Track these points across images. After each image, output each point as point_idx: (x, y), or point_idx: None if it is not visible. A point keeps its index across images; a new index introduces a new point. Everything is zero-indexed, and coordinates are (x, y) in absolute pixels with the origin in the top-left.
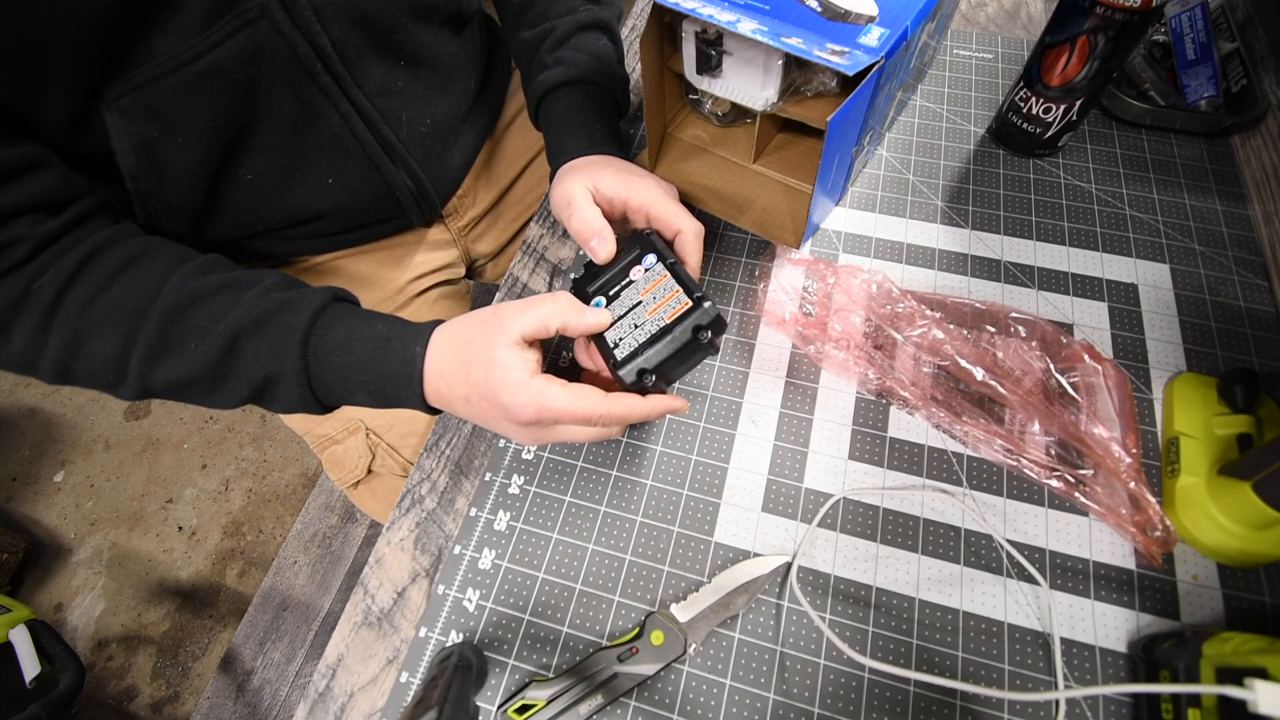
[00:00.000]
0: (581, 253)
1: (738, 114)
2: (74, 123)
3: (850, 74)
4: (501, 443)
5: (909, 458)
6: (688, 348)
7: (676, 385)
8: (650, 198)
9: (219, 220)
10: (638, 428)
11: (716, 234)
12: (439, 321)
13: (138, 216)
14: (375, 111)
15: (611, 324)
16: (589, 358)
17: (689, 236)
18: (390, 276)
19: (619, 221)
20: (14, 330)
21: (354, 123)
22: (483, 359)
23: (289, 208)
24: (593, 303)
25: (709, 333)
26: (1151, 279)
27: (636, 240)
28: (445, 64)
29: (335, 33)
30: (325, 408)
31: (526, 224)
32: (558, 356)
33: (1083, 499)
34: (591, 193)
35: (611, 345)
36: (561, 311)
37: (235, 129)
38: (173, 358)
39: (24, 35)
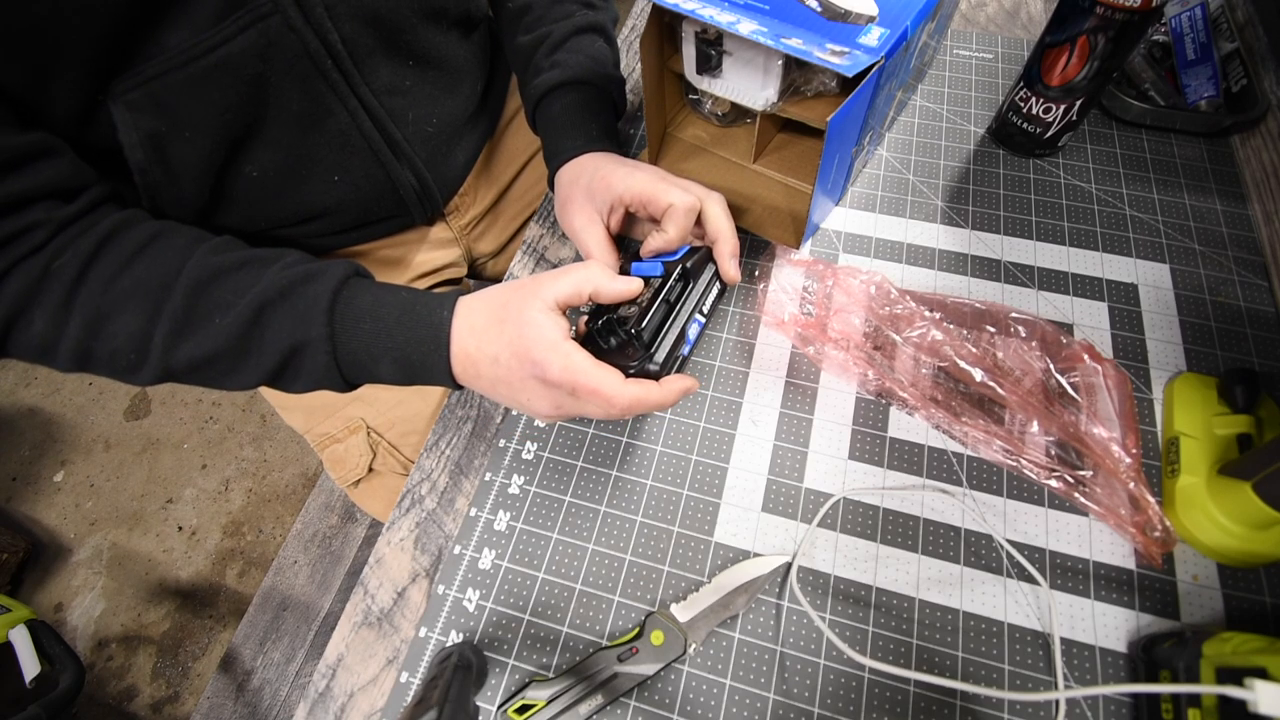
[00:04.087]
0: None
1: (738, 114)
2: (82, 115)
3: (850, 75)
4: (501, 442)
5: (909, 458)
6: (596, 338)
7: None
8: (636, 185)
9: (224, 216)
10: (639, 426)
11: None
12: (464, 291)
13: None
14: (383, 110)
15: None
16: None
17: (676, 210)
18: (393, 274)
19: (629, 219)
20: (35, 311)
21: (361, 120)
22: (518, 318)
23: (294, 204)
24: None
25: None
26: (1151, 279)
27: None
28: (453, 65)
29: (346, 30)
30: (348, 384)
31: (526, 223)
32: None
33: (1082, 499)
34: (605, 227)
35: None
36: (594, 278)
37: (243, 125)
38: (198, 333)
39: (36, 25)
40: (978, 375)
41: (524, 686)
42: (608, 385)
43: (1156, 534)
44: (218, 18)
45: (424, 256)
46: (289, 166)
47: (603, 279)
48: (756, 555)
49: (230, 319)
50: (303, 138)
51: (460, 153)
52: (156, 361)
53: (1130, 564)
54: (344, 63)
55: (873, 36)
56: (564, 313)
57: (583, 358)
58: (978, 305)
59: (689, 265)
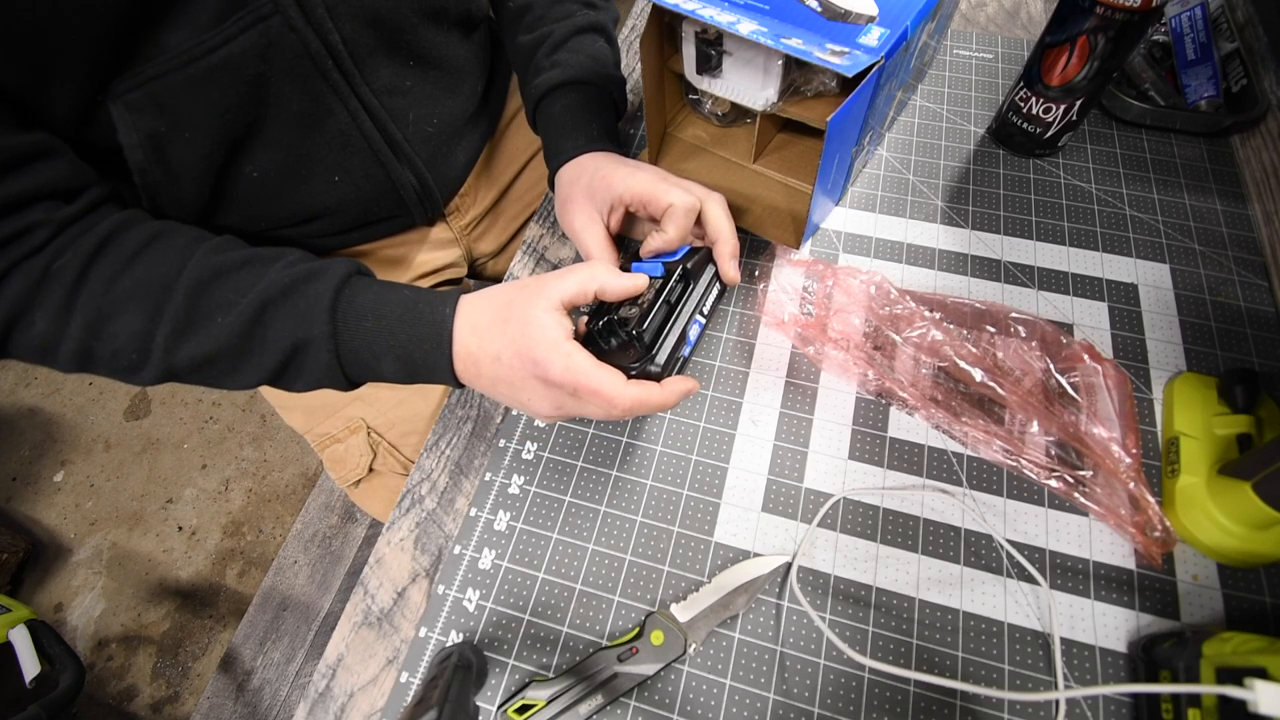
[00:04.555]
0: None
1: (738, 114)
2: (81, 115)
3: (850, 75)
4: (501, 442)
5: (909, 458)
6: (597, 339)
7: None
8: (637, 185)
9: (224, 217)
10: (639, 426)
11: None
12: (463, 290)
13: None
14: (383, 110)
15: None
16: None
17: (676, 210)
18: (394, 275)
19: (629, 219)
20: (36, 312)
21: (361, 120)
22: (522, 318)
23: (294, 205)
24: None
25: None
26: (1151, 279)
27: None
28: (454, 65)
29: (346, 30)
30: (350, 383)
31: (527, 223)
32: None
33: (1082, 499)
34: (605, 226)
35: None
36: (598, 276)
37: (243, 125)
38: (200, 332)
39: (37, 25)
40: (978, 375)
41: (524, 686)
42: (609, 387)
43: (1156, 534)
44: (218, 18)
45: (424, 257)
46: (289, 167)
47: (608, 277)
48: (756, 555)
49: (232, 318)
50: (303, 138)
51: (461, 153)
52: (158, 361)
53: (1130, 564)
54: (344, 63)
55: (873, 36)
56: (568, 313)
57: (584, 358)
58: (978, 305)
59: (689, 266)
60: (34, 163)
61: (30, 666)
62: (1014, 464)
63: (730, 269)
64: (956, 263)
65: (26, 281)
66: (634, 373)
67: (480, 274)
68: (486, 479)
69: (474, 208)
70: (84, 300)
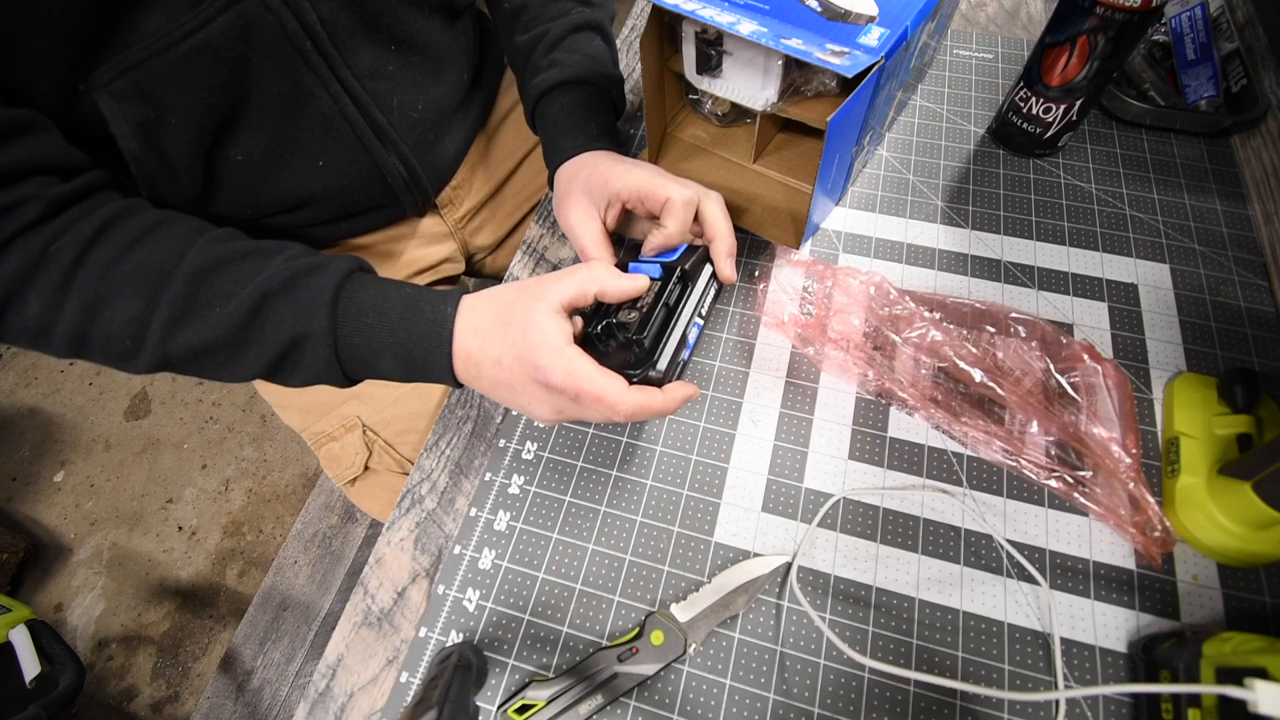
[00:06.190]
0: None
1: (738, 114)
2: (65, 105)
3: (850, 75)
4: (501, 442)
5: (909, 458)
6: (595, 342)
7: (687, 373)
8: (635, 181)
9: (214, 204)
10: (639, 426)
11: None
12: (465, 290)
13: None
14: (365, 94)
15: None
16: None
17: (674, 204)
18: (389, 271)
19: (626, 217)
20: (30, 292)
21: (344, 104)
22: (522, 321)
23: (279, 191)
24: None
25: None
26: (1151, 279)
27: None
28: (437, 51)
29: (324, 10)
30: (348, 379)
31: (525, 217)
32: None
33: (1082, 499)
34: (602, 222)
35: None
36: (599, 277)
37: (227, 107)
38: (196, 321)
39: (15, 8)
40: (977, 375)
41: (524, 686)
42: (611, 393)
43: (1156, 534)
44: (193, 1)
45: (419, 252)
46: (273, 151)
47: (608, 278)
48: (756, 555)
49: (231, 308)
50: (285, 121)
51: (449, 142)
52: (153, 349)
53: (1130, 564)
54: (323, 44)
55: (873, 36)
56: (569, 315)
57: (586, 364)
58: (978, 305)
59: (687, 267)
60: (21, 136)
61: (30, 666)
62: (1014, 464)
63: (727, 268)
64: (956, 263)
65: (22, 260)
66: (635, 379)
67: (479, 271)
68: (486, 479)
69: (468, 200)
70: (80, 283)
